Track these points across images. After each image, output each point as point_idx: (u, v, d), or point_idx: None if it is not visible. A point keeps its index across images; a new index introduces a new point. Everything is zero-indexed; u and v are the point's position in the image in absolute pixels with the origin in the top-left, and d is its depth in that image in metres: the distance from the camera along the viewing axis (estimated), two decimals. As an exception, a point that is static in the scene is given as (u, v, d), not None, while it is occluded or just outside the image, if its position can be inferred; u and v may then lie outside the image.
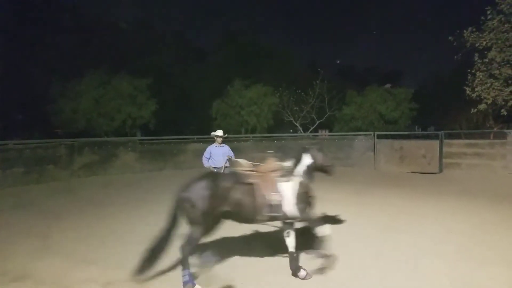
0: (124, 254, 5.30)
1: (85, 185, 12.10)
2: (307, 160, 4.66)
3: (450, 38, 13.22)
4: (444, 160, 13.33)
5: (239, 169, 4.58)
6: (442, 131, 13.96)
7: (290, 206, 4.35)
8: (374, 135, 14.80)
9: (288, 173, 4.51)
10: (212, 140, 7.91)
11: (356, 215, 7.34)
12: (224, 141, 7.93)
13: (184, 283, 4.01)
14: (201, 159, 7.69)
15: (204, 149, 7.78)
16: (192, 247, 4.11)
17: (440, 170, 13.21)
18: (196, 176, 4.39)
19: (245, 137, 17.98)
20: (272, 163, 4.60)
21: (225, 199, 4.20)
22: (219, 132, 7.79)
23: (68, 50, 21.86)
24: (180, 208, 4.20)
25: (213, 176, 4.53)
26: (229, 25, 27.81)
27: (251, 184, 4.33)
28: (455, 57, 13.50)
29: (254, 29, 28.21)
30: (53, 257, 5.19)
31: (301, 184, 4.46)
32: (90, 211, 8.19)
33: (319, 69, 20.52)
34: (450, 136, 14.26)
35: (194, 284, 4.03)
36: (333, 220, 6.93)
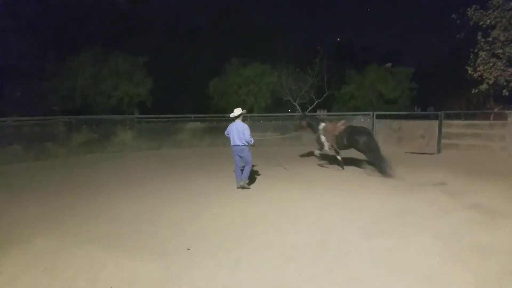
0: (120, 233, 5.33)
1: (83, 162, 12.08)
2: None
3: (453, 16, 12.98)
4: (442, 141, 13.29)
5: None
6: (441, 112, 13.87)
7: None
8: (373, 115, 14.71)
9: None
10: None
11: (349, 192, 7.40)
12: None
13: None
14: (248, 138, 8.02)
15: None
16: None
17: (439, 151, 13.20)
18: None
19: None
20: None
21: None
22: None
23: (63, 27, 21.44)
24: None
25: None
26: (225, 1, 27.05)
27: None
28: (458, 35, 13.29)
29: (249, 5, 27.63)
30: (48, 234, 5.20)
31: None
32: (86, 189, 8.20)
33: (318, 47, 20.21)
34: (450, 117, 14.17)
35: None
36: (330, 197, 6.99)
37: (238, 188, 8.01)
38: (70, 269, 4.15)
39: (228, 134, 8.19)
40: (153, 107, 19.50)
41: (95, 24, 22.18)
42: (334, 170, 10.27)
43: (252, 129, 14.92)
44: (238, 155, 8.03)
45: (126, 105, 19.03)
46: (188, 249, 4.65)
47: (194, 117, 15.67)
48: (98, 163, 11.83)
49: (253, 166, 9.33)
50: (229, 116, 8.48)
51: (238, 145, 7.95)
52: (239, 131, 7.92)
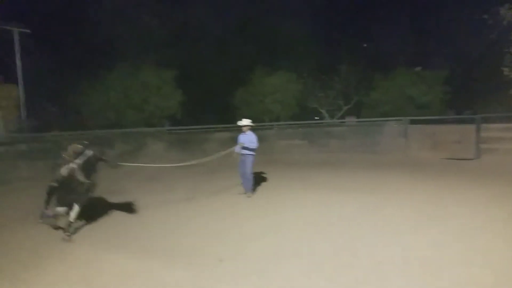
0: (150, 241, 5.42)
1: (116, 173, 12.38)
2: (89, 152, 5.91)
3: (485, 16, 12.57)
4: (480, 146, 12.76)
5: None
6: (478, 115, 13.32)
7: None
8: (405, 120, 14.35)
9: (69, 160, 5.72)
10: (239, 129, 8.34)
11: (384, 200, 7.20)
12: (253, 129, 8.39)
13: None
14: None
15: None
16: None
17: (476, 156, 12.67)
18: None
19: (269, 125, 17.87)
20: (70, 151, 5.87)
21: None
22: (240, 122, 8.33)
23: (96, 44, 22.39)
24: None
25: None
26: (248, 11, 27.30)
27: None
28: (491, 36, 12.84)
29: (274, 14, 27.73)
30: (83, 243, 5.36)
31: (70, 168, 5.62)
32: (118, 198, 8.36)
33: (345, 53, 20.05)
34: (487, 120, 13.59)
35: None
36: (356, 207, 6.83)
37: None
38: (104, 278, 4.26)
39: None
40: (182, 118, 19.93)
41: (125, 41, 23.02)
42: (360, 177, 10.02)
43: (279, 138, 15.16)
44: None
45: (157, 118, 19.54)
46: (220, 261, 4.63)
47: (222, 127, 15.88)
48: (130, 174, 12.11)
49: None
50: (253, 125, 8.54)
51: None
52: None
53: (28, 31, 18.44)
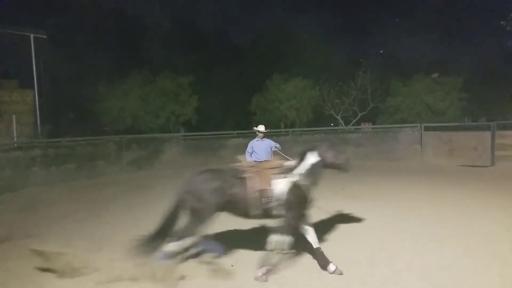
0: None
1: (133, 180, 12.58)
2: (312, 158, 4.43)
3: (502, 22, 12.44)
4: (496, 153, 12.56)
5: (237, 165, 4.69)
6: (494, 122, 13.13)
7: (278, 203, 4.36)
8: (421, 127, 14.21)
9: (285, 172, 4.47)
10: (254, 135, 8.10)
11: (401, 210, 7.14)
12: (267, 135, 8.18)
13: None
14: (243, 154, 7.86)
15: (246, 144, 7.99)
16: (188, 236, 4.40)
17: (492, 163, 12.47)
18: (197, 171, 4.70)
19: (285, 131, 17.92)
20: (274, 160, 4.68)
21: (224, 193, 4.36)
22: (260, 127, 8.03)
23: (113, 51, 22.77)
24: (183, 200, 4.50)
25: (213, 171, 4.70)
26: (266, 18, 27.52)
27: (243, 179, 4.42)
28: (509, 42, 12.68)
29: (290, 21, 27.80)
30: (101, 249, 5.31)
31: (294, 183, 4.35)
32: (136, 205, 8.49)
33: (361, 60, 19.99)
34: (504, 127, 13.37)
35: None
36: (372, 215, 6.79)
37: None
38: (120, 285, 4.26)
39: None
40: (197, 124, 20.12)
41: (143, 47, 23.42)
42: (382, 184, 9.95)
43: (295, 144, 15.09)
44: None
45: (172, 124, 19.76)
46: (232, 266, 4.66)
47: (237, 133, 15.99)
48: (147, 180, 12.27)
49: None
50: (270, 132, 8.44)
51: None
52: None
53: (44, 36, 18.67)
